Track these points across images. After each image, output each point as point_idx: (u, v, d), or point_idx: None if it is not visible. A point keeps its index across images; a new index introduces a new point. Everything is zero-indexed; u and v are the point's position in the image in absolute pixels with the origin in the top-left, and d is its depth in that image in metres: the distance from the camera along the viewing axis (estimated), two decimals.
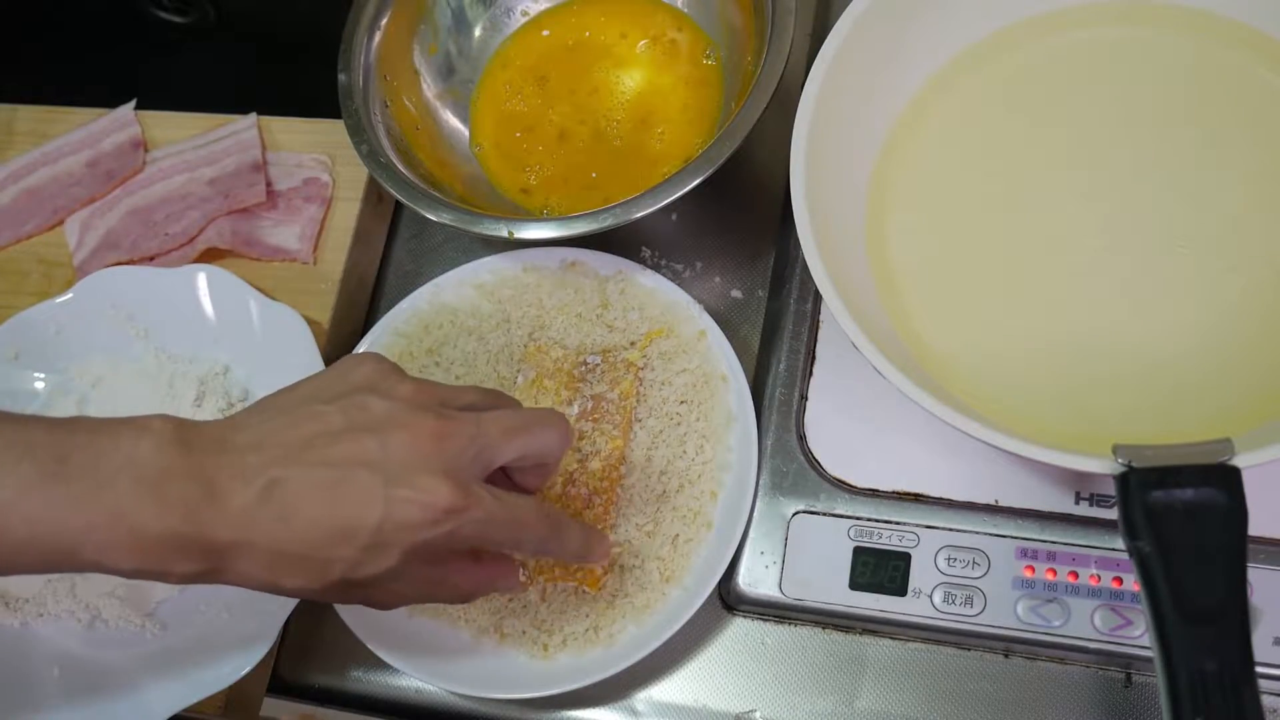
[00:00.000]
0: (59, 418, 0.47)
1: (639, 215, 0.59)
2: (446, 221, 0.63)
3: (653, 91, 0.70)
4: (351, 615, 0.59)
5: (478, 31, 0.74)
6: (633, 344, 0.63)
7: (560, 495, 0.59)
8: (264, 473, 0.45)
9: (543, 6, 0.74)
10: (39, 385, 0.68)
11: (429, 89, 0.72)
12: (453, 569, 0.51)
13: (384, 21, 0.69)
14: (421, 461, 0.46)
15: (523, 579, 0.58)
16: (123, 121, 0.77)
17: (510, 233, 0.62)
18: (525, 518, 0.50)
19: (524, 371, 0.63)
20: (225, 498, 0.45)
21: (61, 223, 0.75)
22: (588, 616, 0.58)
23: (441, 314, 0.66)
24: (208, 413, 0.65)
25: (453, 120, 0.72)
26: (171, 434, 0.45)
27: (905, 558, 0.57)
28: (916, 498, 0.58)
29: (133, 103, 0.77)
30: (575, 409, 0.62)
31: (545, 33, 0.73)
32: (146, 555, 0.44)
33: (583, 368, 0.63)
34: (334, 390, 0.49)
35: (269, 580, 0.47)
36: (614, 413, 0.61)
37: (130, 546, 0.44)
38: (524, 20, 0.74)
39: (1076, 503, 0.57)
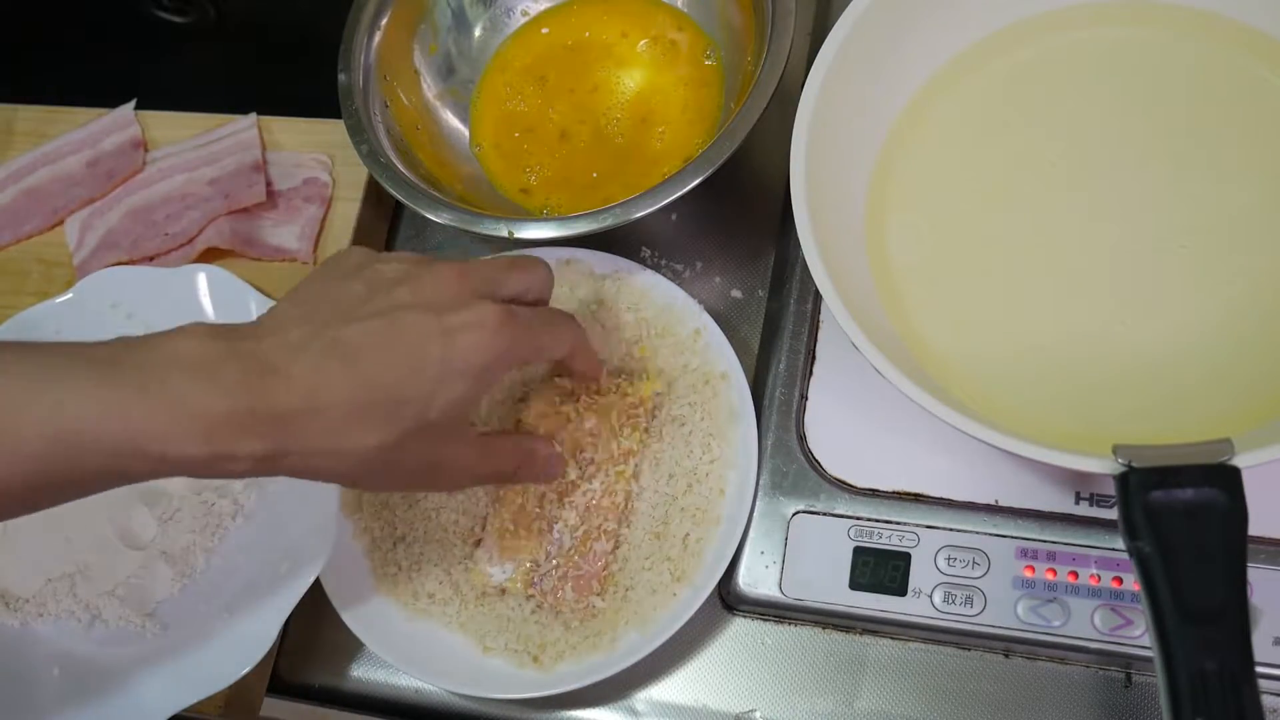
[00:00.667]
0: (94, 342, 0.47)
1: (639, 215, 0.59)
2: (446, 221, 0.63)
3: (653, 91, 0.70)
4: (351, 615, 0.59)
5: (478, 31, 0.74)
6: (629, 349, 0.63)
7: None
8: (319, 336, 0.47)
9: (543, 6, 0.74)
10: None
11: (429, 89, 0.72)
12: (499, 438, 0.57)
13: (384, 21, 0.69)
14: (456, 293, 0.49)
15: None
16: (123, 121, 0.77)
17: (510, 233, 0.62)
18: (554, 318, 0.54)
19: (524, 370, 0.63)
20: (285, 367, 0.46)
21: (61, 223, 0.75)
22: (589, 617, 0.58)
23: None
24: None
25: (453, 120, 0.72)
26: (207, 332, 0.46)
27: (905, 558, 0.57)
28: (916, 498, 0.58)
29: (133, 103, 0.77)
30: (580, 405, 0.61)
31: (545, 32, 0.73)
32: (212, 437, 0.44)
33: None
34: (341, 270, 0.51)
35: (336, 444, 0.47)
36: (618, 408, 0.61)
37: (194, 431, 0.44)
38: (524, 20, 0.74)
39: (1076, 503, 0.57)
